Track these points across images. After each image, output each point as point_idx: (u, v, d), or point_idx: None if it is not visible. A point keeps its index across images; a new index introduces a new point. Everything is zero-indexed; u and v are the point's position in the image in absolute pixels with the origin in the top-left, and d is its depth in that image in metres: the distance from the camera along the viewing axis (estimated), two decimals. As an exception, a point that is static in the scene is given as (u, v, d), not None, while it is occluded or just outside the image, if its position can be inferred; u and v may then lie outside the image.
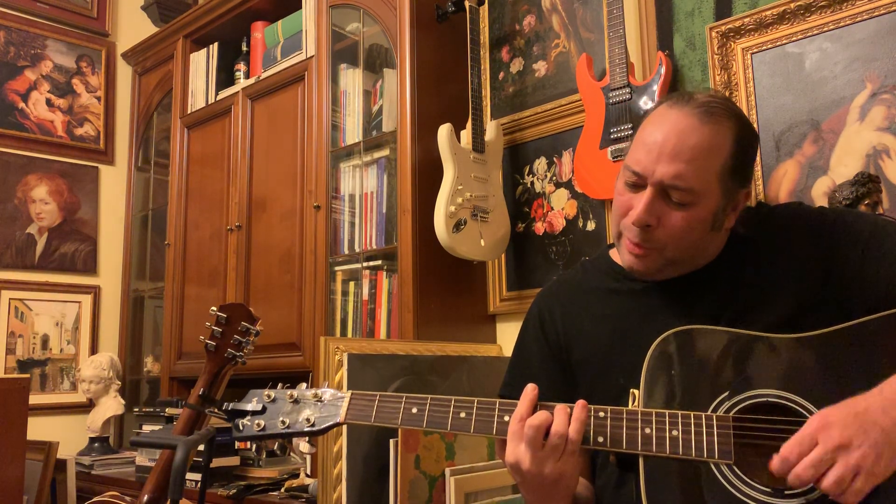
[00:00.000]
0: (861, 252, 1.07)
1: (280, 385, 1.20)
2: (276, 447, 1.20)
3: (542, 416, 1.02)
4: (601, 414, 1.02)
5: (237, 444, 2.32)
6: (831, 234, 1.11)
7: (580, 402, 1.03)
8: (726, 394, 1.00)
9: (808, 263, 1.10)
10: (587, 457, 1.27)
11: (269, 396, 1.18)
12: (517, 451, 1.03)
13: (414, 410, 1.10)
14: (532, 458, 1.01)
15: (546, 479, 1.02)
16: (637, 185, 1.12)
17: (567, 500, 1.07)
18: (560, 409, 1.03)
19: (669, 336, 1.06)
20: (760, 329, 1.05)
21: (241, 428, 1.15)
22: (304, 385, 1.19)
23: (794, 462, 0.90)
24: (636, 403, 1.04)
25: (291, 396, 1.17)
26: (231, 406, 1.18)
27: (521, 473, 1.03)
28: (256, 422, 1.15)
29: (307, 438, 1.22)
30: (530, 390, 1.05)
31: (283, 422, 1.15)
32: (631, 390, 1.06)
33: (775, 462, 0.92)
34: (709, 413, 0.99)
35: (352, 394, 1.15)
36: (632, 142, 1.17)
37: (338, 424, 1.14)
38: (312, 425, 1.14)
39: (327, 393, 1.16)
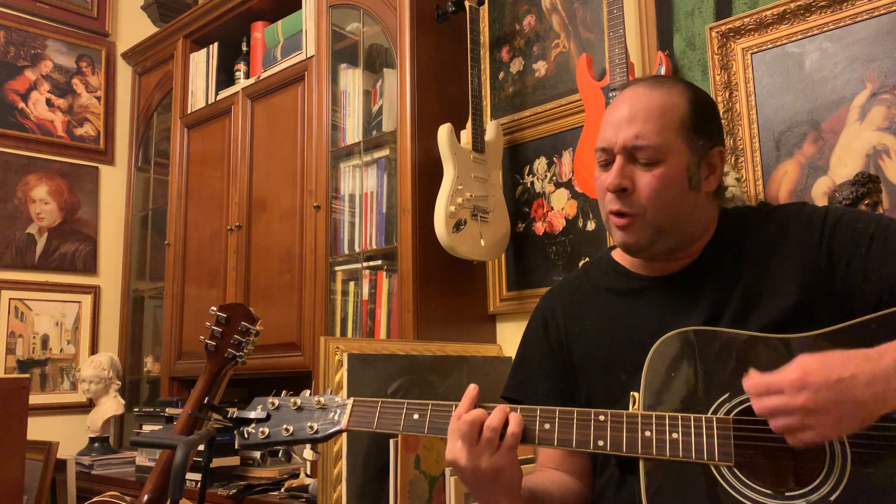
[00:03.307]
0: (865, 249, 1.07)
1: (284, 392, 1.20)
2: (280, 454, 1.20)
3: (476, 412, 1.05)
4: (601, 417, 1.03)
5: (237, 444, 2.32)
6: (834, 232, 1.11)
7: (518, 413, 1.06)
8: (726, 395, 1.00)
9: (811, 261, 1.10)
10: (587, 457, 1.27)
11: (273, 404, 1.18)
12: (454, 447, 1.06)
13: (415, 416, 1.11)
14: (468, 454, 1.04)
15: (483, 474, 1.04)
16: (608, 161, 1.17)
17: (510, 494, 1.08)
18: (499, 407, 1.06)
19: (670, 337, 1.06)
20: (763, 327, 1.05)
21: (246, 436, 1.16)
22: (307, 392, 1.19)
23: (753, 395, 0.92)
24: (636, 406, 1.04)
25: (295, 404, 1.17)
26: (236, 414, 1.18)
27: (460, 469, 1.06)
28: (261, 429, 1.16)
29: (311, 445, 1.22)
30: (471, 389, 1.08)
31: (287, 429, 1.15)
32: (631, 393, 1.06)
33: (744, 381, 0.94)
34: (709, 415, 0.99)
35: (354, 401, 1.16)
36: None
37: (340, 432, 1.14)
38: (315, 433, 1.14)
39: (330, 400, 1.17)
